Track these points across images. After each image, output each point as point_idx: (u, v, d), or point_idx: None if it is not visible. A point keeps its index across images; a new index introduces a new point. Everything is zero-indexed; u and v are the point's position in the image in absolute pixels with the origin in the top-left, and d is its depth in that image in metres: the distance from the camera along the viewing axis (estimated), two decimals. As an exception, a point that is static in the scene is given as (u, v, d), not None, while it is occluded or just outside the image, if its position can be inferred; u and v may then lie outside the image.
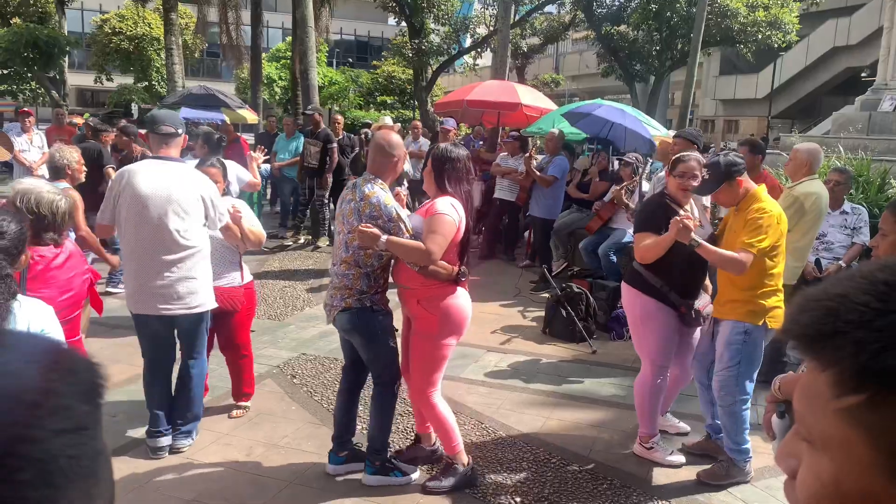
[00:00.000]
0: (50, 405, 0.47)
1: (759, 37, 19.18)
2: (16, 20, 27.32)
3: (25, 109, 9.77)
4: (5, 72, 27.19)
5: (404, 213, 3.36)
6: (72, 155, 4.62)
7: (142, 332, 3.78)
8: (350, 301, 3.30)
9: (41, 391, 0.47)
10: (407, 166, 7.90)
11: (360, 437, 3.83)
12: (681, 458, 3.84)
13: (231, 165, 4.14)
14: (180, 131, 3.79)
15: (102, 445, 0.53)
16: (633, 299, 3.86)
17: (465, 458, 3.54)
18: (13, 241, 1.98)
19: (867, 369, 0.53)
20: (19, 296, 1.86)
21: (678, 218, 3.39)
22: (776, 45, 19.76)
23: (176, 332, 3.81)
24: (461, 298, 3.39)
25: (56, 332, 2.04)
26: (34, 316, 2.00)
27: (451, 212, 3.27)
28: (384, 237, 3.15)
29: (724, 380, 3.55)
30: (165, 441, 3.76)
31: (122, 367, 4.69)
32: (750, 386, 3.55)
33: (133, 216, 3.54)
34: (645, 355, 3.86)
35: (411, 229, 3.28)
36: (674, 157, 3.90)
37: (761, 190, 3.58)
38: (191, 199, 3.62)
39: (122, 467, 3.60)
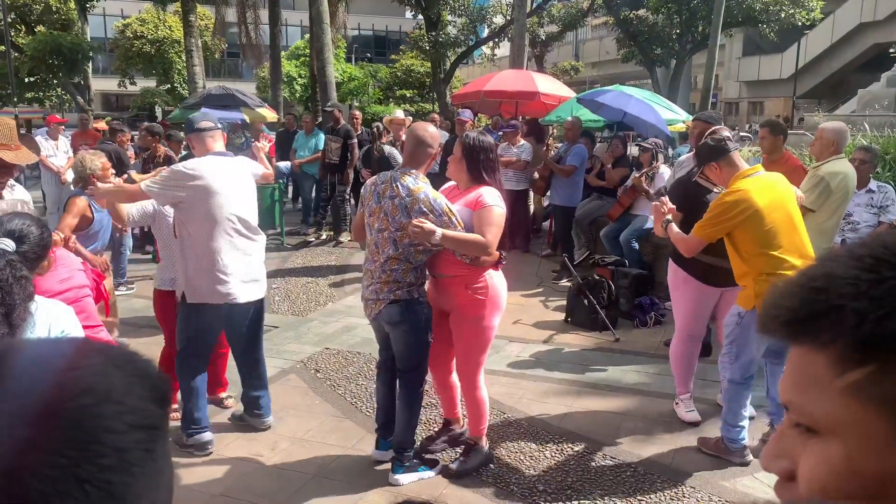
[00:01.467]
0: (129, 404, 0.53)
1: (783, 15, 18.86)
2: (40, 28, 27.82)
3: (57, 118, 10.03)
4: (32, 79, 27.72)
5: (454, 206, 3.34)
6: (95, 163, 4.67)
7: (218, 324, 3.85)
8: (399, 293, 3.32)
9: (124, 391, 0.53)
10: None
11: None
12: (695, 416, 4.12)
13: (247, 165, 4.18)
14: (219, 126, 4.00)
15: (169, 446, 0.59)
16: (671, 266, 4.20)
17: (485, 440, 3.66)
18: (34, 245, 2.01)
19: (872, 339, 0.52)
20: (38, 297, 1.89)
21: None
22: (800, 24, 19.40)
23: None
24: (500, 276, 3.51)
25: (77, 333, 2.08)
26: (54, 318, 2.04)
27: (499, 202, 3.35)
28: (439, 232, 3.13)
29: (721, 360, 3.77)
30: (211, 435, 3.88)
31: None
32: (743, 370, 3.64)
33: (227, 209, 3.68)
34: (676, 322, 4.25)
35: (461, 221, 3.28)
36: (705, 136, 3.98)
37: (748, 174, 3.53)
38: (253, 187, 3.94)
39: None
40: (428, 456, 3.66)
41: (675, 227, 3.78)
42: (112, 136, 7.67)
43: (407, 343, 3.43)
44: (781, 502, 0.61)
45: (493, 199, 3.32)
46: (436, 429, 3.97)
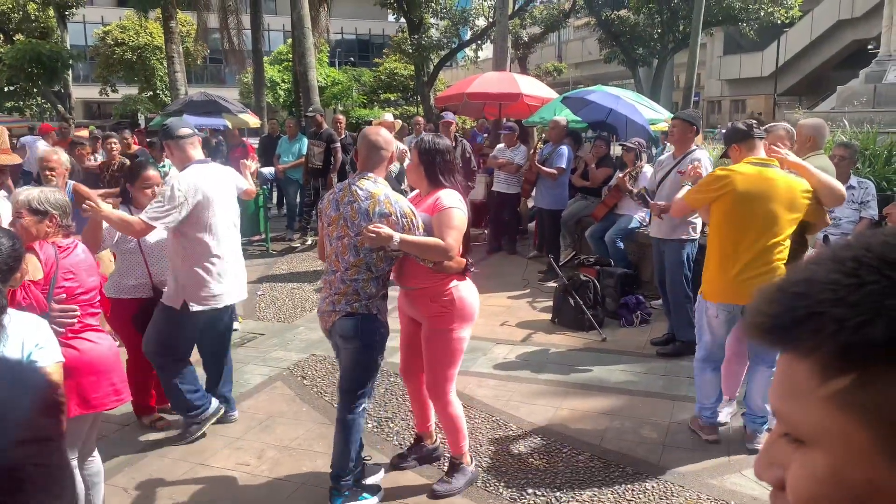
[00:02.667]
0: (13, 418, 0.50)
1: (762, 14, 19.04)
2: (19, 37, 27.55)
3: (51, 126, 10.06)
4: (11, 88, 27.43)
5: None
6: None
7: (218, 326, 4.08)
8: (357, 306, 3.16)
9: (4, 405, 0.50)
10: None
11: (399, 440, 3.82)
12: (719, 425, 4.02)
13: (230, 172, 4.16)
14: (197, 132, 4.02)
15: (66, 457, 0.56)
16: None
17: (468, 458, 3.52)
18: (5, 258, 1.98)
19: (851, 346, 0.50)
20: (10, 310, 1.86)
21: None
22: (779, 22, 19.59)
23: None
24: (469, 287, 3.37)
25: (51, 345, 2.05)
26: (27, 330, 2.01)
27: (459, 204, 3.24)
28: (397, 236, 3.03)
29: None
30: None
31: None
32: (704, 351, 3.87)
33: (220, 216, 3.83)
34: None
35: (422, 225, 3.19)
36: (764, 127, 4.07)
37: (755, 161, 3.67)
38: (234, 192, 4.10)
39: (136, 475, 3.63)
40: (369, 481, 3.46)
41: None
42: (71, 150, 7.39)
43: (356, 360, 3.23)
44: None
45: (451, 201, 3.22)
46: (409, 441, 3.91)
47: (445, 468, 3.57)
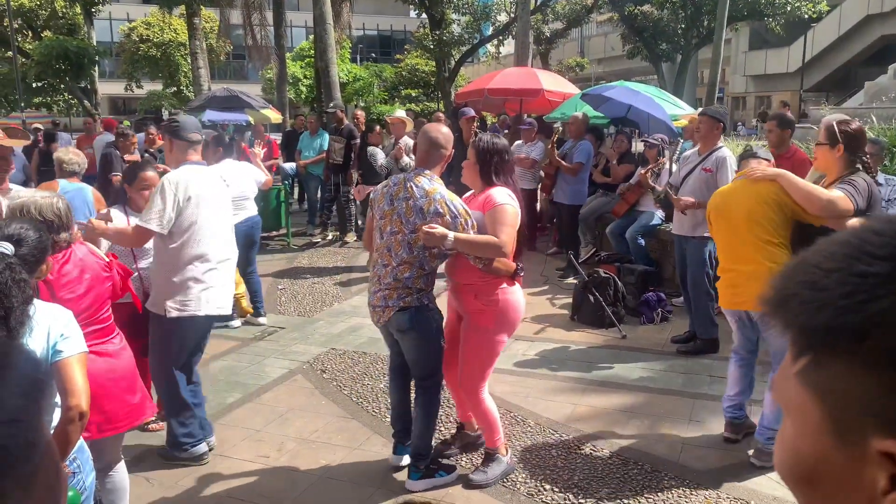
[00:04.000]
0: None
1: (788, 8, 18.75)
2: (46, 33, 27.98)
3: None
4: (39, 84, 27.88)
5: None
6: (69, 157, 4.85)
7: (206, 334, 3.79)
8: (409, 300, 3.22)
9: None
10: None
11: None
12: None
13: (247, 168, 4.17)
14: (203, 138, 3.95)
15: (40, 438, 0.55)
16: None
17: (504, 450, 3.56)
18: (32, 249, 2.02)
19: (808, 328, 0.54)
20: (37, 301, 1.90)
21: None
22: (806, 17, 19.28)
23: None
24: (518, 294, 3.38)
25: (76, 336, 2.09)
26: (53, 321, 2.04)
27: (511, 201, 3.26)
28: (451, 235, 3.05)
29: None
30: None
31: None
32: (735, 345, 3.90)
33: (212, 219, 3.65)
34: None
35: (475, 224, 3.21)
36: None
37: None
38: (227, 195, 3.93)
39: (157, 465, 3.68)
40: (444, 461, 3.60)
41: None
42: (116, 141, 7.71)
43: (419, 351, 3.35)
44: None
45: (503, 198, 3.24)
46: (453, 429, 3.95)
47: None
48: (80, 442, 2.14)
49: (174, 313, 3.54)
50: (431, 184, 3.19)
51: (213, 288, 3.64)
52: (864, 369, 0.50)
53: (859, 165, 3.42)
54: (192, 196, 3.54)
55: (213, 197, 3.69)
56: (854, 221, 3.25)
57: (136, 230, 3.49)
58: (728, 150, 5.15)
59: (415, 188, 3.17)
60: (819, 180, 4.20)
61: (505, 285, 3.30)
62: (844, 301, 0.51)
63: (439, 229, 3.04)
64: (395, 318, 3.25)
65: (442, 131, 3.35)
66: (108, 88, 37.66)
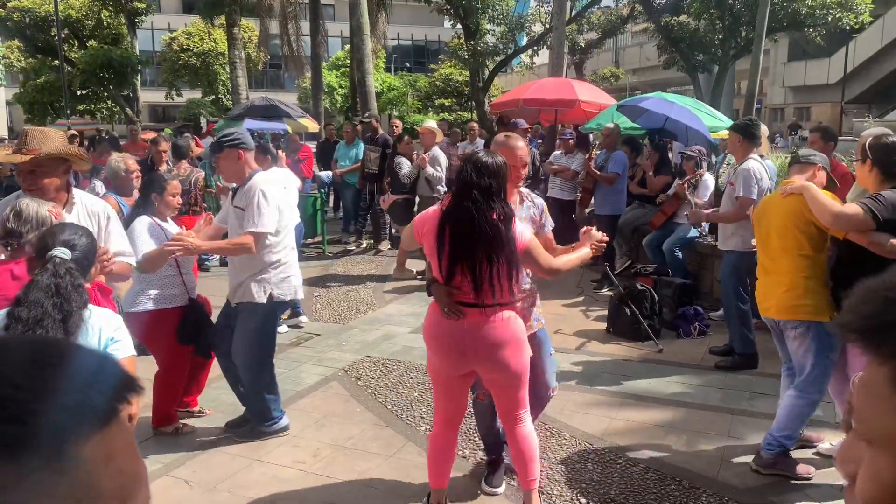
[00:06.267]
0: (77, 374, 0.55)
1: (829, 19, 18.41)
2: (91, 43, 28.76)
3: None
4: (83, 92, 28.63)
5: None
6: (119, 163, 4.99)
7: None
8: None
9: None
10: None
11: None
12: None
13: (289, 176, 4.38)
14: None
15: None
16: None
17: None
18: (84, 252, 2.09)
19: None
20: (90, 306, 1.96)
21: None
22: (848, 27, 18.91)
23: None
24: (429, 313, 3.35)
25: (126, 340, 2.15)
26: (104, 325, 2.11)
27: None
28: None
29: None
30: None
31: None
32: None
33: (290, 216, 4.19)
34: None
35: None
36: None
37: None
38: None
39: (196, 468, 3.74)
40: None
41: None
42: (150, 151, 7.90)
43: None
44: None
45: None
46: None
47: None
48: None
49: (278, 296, 3.96)
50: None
51: (297, 275, 4.12)
52: None
53: None
54: (281, 196, 3.99)
55: (285, 196, 4.12)
56: (879, 236, 3.20)
57: (257, 237, 3.77)
58: (754, 162, 5.07)
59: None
60: (862, 195, 4.13)
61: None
62: None
63: None
64: None
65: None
66: (149, 96, 38.54)
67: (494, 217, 2.81)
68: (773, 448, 3.59)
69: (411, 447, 3.96)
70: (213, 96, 32.96)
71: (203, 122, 31.40)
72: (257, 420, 4.07)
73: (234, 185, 4.06)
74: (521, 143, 3.34)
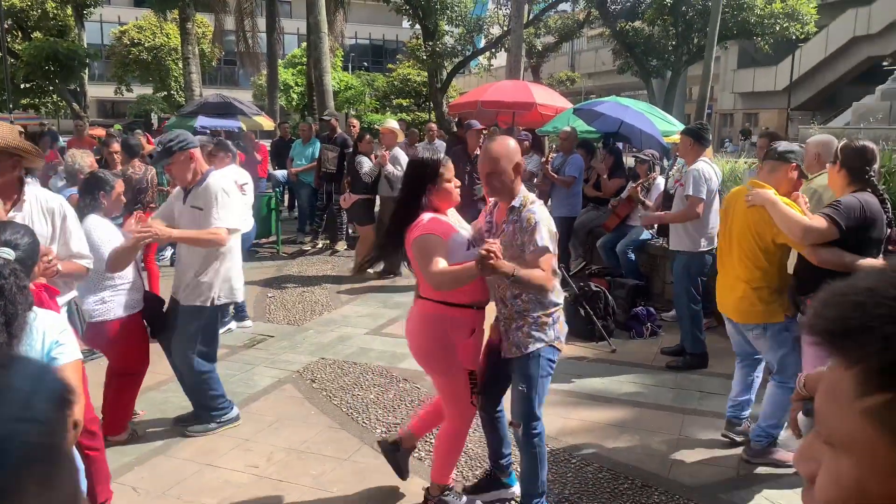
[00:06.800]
0: (8, 397, 0.54)
1: (777, 29, 18.96)
2: (36, 34, 27.80)
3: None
4: (27, 85, 27.64)
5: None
6: (84, 160, 4.79)
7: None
8: None
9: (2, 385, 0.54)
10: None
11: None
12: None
13: (244, 174, 4.33)
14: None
15: (61, 442, 0.58)
16: None
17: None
18: (27, 252, 2.01)
19: (893, 366, 0.50)
20: (35, 308, 1.88)
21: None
22: (794, 37, 19.52)
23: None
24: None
25: (71, 343, 2.07)
26: (49, 327, 2.03)
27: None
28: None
29: None
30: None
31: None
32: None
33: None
34: None
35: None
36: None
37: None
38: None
39: (144, 474, 3.64)
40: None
41: None
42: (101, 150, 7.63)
43: None
44: None
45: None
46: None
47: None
48: (73, 451, 2.12)
49: (223, 300, 4.02)
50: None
51: (241, 278, 4.18)
52: None
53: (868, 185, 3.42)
54: (237, 196, 4.11)
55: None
56: (827, 253, 3.28)
57: (226, 231, 3.84)
58: (704, 164, 5.21)
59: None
60: (814, 194, 4.26)
61: None
62: None
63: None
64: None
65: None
66: (98, 91, 37.48)
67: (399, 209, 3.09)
68: (762, 439, 3.73)
69: (367, 450, 3.93)
70: (166, 92, 32.21)
71: (155, 118, 30.68)
72: (206, 414, 4.13)
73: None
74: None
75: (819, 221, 3.29)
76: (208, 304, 3.96)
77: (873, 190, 3.37)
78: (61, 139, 12.12)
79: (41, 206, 2.97)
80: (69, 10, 27.85)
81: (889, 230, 3.46)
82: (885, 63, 23.54)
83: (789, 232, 3.38)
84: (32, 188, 3.02)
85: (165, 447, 3.95)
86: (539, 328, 3.01)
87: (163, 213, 4.07)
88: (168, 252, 8.24)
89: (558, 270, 3.02)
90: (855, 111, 10.42)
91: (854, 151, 3.38)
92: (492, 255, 2.63)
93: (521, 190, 3.10)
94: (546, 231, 2.90)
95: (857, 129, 8.83)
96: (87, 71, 28.33)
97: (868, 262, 3.22)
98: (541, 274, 2.83)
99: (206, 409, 4.14)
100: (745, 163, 9.16)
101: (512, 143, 3.12)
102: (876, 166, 3.43)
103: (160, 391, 4.55)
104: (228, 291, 4.05)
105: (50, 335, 2.01)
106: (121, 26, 33.47)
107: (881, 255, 3.36)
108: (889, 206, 3.44)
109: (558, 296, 3.08)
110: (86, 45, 28.40)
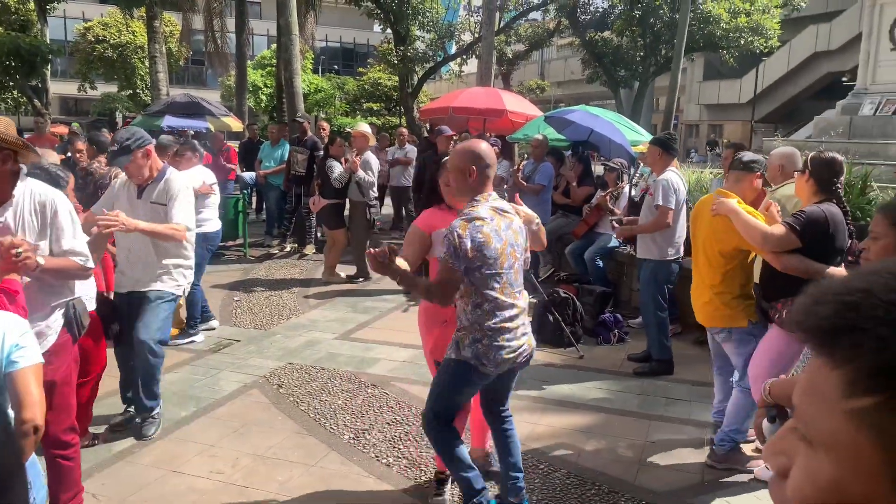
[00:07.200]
0: None
1: (742, 42, 19.41)
2: (-3, 29, 27.04)
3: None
4: (-13, 81, 26.87)
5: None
6: (52, 159, 4.68)
7: None
8: None
9: None
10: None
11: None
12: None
13: (208, 174, 4.34)
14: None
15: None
16: None
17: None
18: None
19: (884, 369, 0.50)
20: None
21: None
22: (758, 51, 20.01)
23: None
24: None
25: (32, 346, 2.01)
26: (8, 330, 1.96)
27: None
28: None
29: None
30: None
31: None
32: None
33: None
34: None
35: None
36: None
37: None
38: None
39: (106, 481, 3.56)
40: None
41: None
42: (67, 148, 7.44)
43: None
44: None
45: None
46: None
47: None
48: (32, 457, 2.06)
49: (178, 291, 4.18)
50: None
51: (192, 273, 4.32)
52: None
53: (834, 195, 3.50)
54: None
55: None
56: (791, 260, 3.36)
57: (183, 227, 3.98)
58: (672, 174, 5.29)
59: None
60: (779, 202, 4.35)
61: None
62: None
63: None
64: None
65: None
66: (60, 88, 36.59)
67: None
68: (725, 444, 3.79)
69: (334, 456, 3.89)
70: (131, 91, 31.63)
71: (119, 117, 30.10)
72: (147, 409, 4.08)
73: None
74: None
75: (778, 229, 3.40)
76: (180, 293, 4.19)
77: (838, 201, 3.47)
78: (22, 136, 11.83)
79: (33, 201, 2.79)
80: (31, 5, 27.18)
81: (850, 241, 3.56)
82: (844, 78, 24.25)
83: (750, 238, 3.50)
84: (28, 183, 2.84)
85: (127, 452, 3.87)
86: (455, 343, 2.99)
87: (103, 206, 3.97)
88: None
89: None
90: (816, 125, 10.69)
91: (823, 162, 3.47)
92: (380, 255, 2.63)
93: (480, 200, 3.08)
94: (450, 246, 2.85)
95: (818, 143, 9.06)
96: (49, 67, 27.65)
97: (832, 269, 3.31)
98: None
99: (150, 398, 4.10)
100: (711, 173, 9.33)
101: (482, 145, 3.18)
102: (842, 178, 3.54)
103: (116, 398, 4.44)
104: (185, 282, 4.24)
105: (10, 338, 1.95)
106: (85, 22, 32.80)
107: (842, 265, 3.46)
108: (850, 217, 3.54)
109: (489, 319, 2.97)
110: (48, 41, 27.74)
